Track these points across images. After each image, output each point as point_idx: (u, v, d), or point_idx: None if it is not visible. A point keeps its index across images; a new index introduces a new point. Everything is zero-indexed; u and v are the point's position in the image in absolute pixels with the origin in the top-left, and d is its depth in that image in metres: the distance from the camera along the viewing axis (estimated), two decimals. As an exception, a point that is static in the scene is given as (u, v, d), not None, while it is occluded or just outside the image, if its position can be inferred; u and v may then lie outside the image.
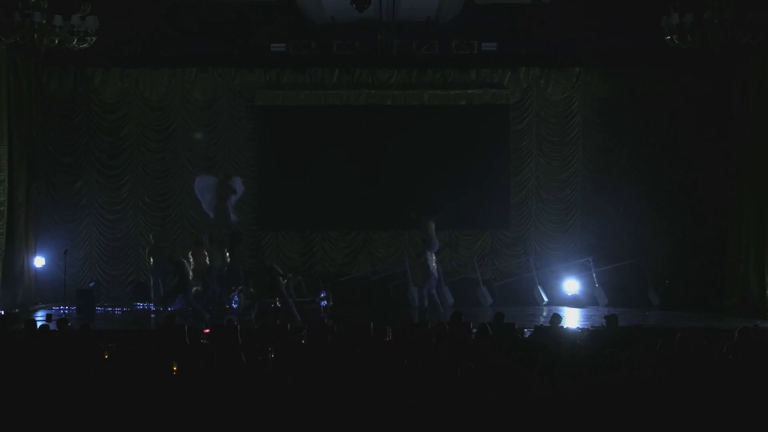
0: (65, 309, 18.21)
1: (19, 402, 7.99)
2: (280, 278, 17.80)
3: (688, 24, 13.56)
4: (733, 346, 10.12)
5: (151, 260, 18.70)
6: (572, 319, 17.24)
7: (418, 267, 18.80)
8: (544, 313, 17.77)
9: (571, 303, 19.16)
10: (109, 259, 20.13)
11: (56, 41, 13.70)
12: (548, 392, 7.52)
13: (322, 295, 18.27)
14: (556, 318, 12.64)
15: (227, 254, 18.43)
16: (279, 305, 17.58)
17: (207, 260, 18.33)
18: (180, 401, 7.95)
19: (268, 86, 20.21)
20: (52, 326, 12.39)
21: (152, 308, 18.48)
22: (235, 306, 18.10)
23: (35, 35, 13.48)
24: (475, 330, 12.31)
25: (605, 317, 12.71)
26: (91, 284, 19.36)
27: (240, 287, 18.32)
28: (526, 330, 13.95)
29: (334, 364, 8.98)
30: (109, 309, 18.70)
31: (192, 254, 18.39)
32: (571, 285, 19.39)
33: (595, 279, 19.26)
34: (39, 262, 19.22)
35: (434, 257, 18.65)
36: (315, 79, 20.26)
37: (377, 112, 20.19)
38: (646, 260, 19.40)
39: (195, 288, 17.94)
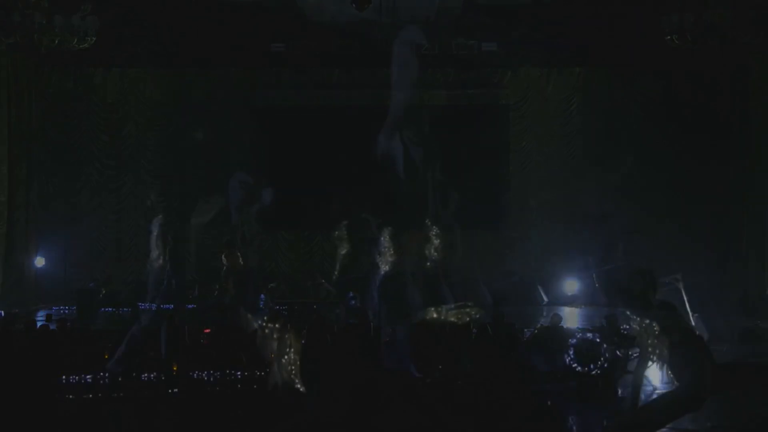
0: (65, 309, 18.20)
1: (19, 401, 7.99)
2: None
3: (688, 24, 13.57)
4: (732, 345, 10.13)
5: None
6: (572, 319, 17.24)
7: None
8: (544, 313, 17.77)
9: (571, 303, 19.15)
10: (109, 260, 20.12)
11: (56, 41, 13.72)
12: (545, 391, 7.53)
13: (350, 295, 18.27)
14: (556, 318, 12.64)
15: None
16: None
17: (241, 261, 18.32)
18: (180, 401, 7.96)
19: (268, 86, 20.19)
20: (52, 326, 12.39)
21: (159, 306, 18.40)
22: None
23: (35, 35, 13.50)
24: (475, 330, 12.31)
25: (605, 317, 12.71)
26: (91, 284, 19.35)
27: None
28: (526, 330, 13.95)
29: (334, 364, 8.97)
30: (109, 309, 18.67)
31: (225, 256, 18.35)
32: (571, 285, 19.38)
33: (595, 279, 19.23)
34: (39, 262, 19.23)
35: (380, 256, 18.64)
36: (315, 79, 20.25)
37: (377, 112, 20.11)
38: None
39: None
